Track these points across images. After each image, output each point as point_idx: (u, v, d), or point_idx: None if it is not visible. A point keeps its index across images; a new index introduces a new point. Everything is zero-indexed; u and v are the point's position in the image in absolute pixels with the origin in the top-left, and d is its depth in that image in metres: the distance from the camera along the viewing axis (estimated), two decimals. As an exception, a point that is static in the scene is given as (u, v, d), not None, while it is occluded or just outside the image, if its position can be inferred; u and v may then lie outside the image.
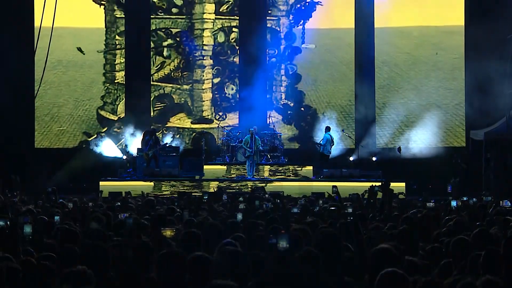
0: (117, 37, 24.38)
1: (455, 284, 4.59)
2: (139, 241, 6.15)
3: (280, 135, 23.21)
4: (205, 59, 24.60)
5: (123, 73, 24.33)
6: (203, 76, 24.54)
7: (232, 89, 24.51)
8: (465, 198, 13.39)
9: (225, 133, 22.96)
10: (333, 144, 21.52)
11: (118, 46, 24.38)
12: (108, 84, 24.36)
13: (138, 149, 22.09)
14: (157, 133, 22.37)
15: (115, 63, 24.40)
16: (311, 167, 21.92)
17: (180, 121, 24.44)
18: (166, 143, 21.82)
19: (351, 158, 22.73)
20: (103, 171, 21.79)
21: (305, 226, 7.02)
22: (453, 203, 10.49)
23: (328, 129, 21.73)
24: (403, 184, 20.30)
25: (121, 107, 24.21)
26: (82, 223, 8.55)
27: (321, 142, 21.49)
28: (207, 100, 24.55)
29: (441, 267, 5.79)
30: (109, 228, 7.77)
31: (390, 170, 21.40)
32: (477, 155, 21.67)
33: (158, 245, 5.92)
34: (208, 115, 24.39)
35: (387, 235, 7.04)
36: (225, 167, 22.07)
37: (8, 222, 6.56)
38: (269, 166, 22.07)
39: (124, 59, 24.29)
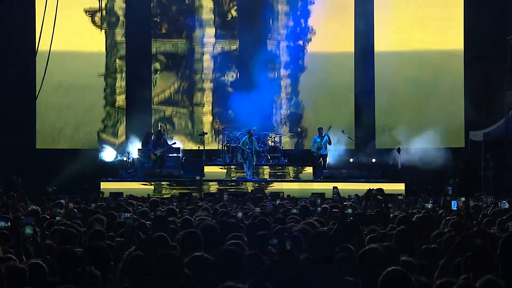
0: (117, 60, 24.44)
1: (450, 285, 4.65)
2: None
3: (280, 136, 23.25)
4: (205, 83, 24.65)
5: (123, 96, 24.37)
6: (204, 99, 24.55)
7: (232, 76, 24.50)
8: (463, 199, 13.40)
9: (226, 134, 22.96)
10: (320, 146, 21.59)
11: (118, 70, 24.44)
12: (108, 107, 24.37)
13: (139, 149, 22.16)
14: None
15: (116, 86, 24.44)
16: (311, 169, 21.97)
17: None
18: (175, 142, 21.98)
19: (351, 160, 22.78)
20: (104, 172, 21.85)
21: (305, 226, 7.06)
22: (454, 204, 10.52)
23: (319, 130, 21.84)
24: (403, 185, 20.40)
25: (121, 130, 24.20)
26: (83, 224, 8.60)
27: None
28: (207, 123, 24.57)
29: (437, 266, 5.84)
30: (110, 229, 7.82)
31: (389, 171, 21.47)
32: (476, 156, 21.72)
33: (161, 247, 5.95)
34: (209, 138, 24.15)
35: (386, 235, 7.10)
36: (225, 167, 22.11)
37: (10, 223, 6.59)
38: (269, 167, 22.11)
39: (124, 83, 24.35)
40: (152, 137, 21.93)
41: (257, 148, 21.28)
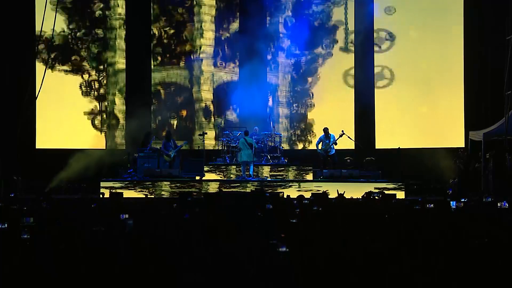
0: None
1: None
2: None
3: (280, 135, 23.25)
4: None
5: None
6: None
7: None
8: (464, 199, 13.44)
9: (226, 134, 22.97)
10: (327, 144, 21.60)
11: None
12: None
13: (138, 149, 22.16)
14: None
15: None
16: (311, 169, 21.97)
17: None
18: (186, 141, 22.16)
19: (348, 158, 22.76)
20: (104, 172, 21.84)
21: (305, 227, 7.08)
22: (452, 204, 10.56)
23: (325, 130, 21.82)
24: (402, 185, 20.39)
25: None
26: (83, 224, 8.61)
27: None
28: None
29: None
30: (110, 229, 7.83)
31: (389, 170, 21.45)
32: (476, 156, 21.71)
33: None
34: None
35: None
36: (225, 167, 22.12)
37: (8, 224, 6.61)
38: (269, 167, 22.10)
39: None
40: (164, 139, 21.94)
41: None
